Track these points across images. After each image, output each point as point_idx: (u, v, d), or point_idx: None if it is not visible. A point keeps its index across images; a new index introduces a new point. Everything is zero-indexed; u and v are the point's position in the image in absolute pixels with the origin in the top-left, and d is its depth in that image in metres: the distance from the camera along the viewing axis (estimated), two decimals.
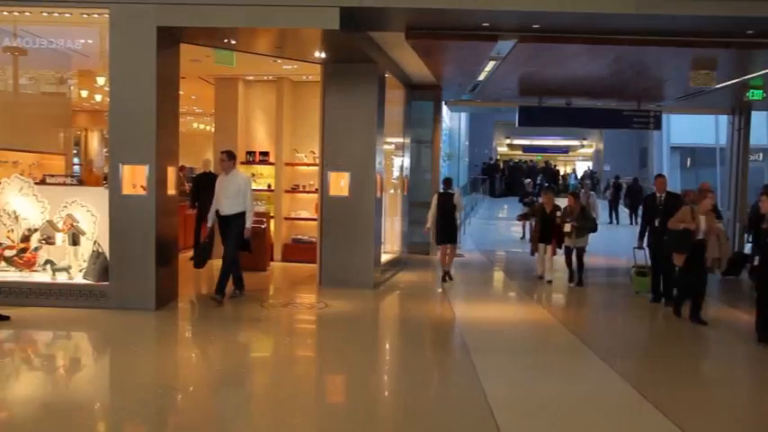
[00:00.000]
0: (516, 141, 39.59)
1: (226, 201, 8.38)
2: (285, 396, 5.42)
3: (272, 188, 12.30)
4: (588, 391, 5.75)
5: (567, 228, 10.26)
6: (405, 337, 7.86)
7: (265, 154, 12.49)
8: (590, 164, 38.32)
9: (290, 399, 5.35)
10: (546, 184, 24.32)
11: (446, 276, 10.62)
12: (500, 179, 31.75)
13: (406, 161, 13.13)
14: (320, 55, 9.45)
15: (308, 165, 12.17)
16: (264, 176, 12.56)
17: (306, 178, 12.25)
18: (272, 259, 11.79)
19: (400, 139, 12.73)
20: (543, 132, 35.20)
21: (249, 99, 12.61)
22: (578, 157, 41.62)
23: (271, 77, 12.14)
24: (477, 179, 28.89)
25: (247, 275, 10.63)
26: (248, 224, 8.42)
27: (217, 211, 8.49)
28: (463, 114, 22.33)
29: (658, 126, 14.20)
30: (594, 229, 10.64)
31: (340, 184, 9.89)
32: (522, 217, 13.50)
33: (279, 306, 8.70)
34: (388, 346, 7.60)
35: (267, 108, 12.53)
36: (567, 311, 9.46)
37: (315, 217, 10.92)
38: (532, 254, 11.12)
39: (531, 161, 36.14)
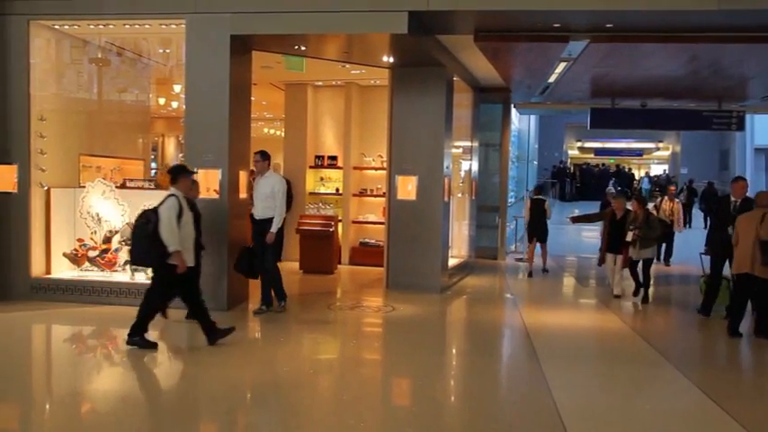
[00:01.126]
0: (588, 144, 38.60)
1: (259, 204, 8.05)
2: (351, 398, 5.45)
3: (341, 192, 12.44)
4: (665, 402, 5.53)
5: (630, 236, 9.48)
6: (472, 342, 7.78)
7: (333, 158, 12.66)
8: (666, 167, 36.94)
9: (357, 401, 5.37)
10: (619, 189, 23.54)
11: (532, 273, 11.94)
12: (570, 183, 31.05)
13: (475, 164, 13.01)
14: (388, 59, 9.49)
15: (375, 169, 12.25)
16: (333, 180, 12.74)
17: (373, 182, 12.32)
18: (339, 262, 11.92)
19: (468, 143, 12.63)
20: (616, 135, 34.19)
21: (318, 104, 12.82)
22: (653, 159, 40.20)
23: (339, 82, 12.30)
24: (547, 183, 28.37)
25: (315, 278, 10.86)
26: (273, 228, 7.89)
27: (251, 215, 8.22)
28: (533, 117, 21.97)
29: (741, 127, 13.52)
30: (663, 240, 9.88)
31: (408, 187, 9.90)
32: (577, 219, 12.57)
33: (346, 309, 8.77)
34: (455, 350, 7.54)
35: (335, 113, 12.70)
36: (642, 320, 9.12)
37: (382, 220, 10.96)
38: (600, 264, 10.27)
39: (604, 164, 35.12)
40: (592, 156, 38.97)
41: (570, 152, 38.68)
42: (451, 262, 10.91)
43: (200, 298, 6.70)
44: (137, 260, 6.81)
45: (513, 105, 14.74)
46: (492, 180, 14.32)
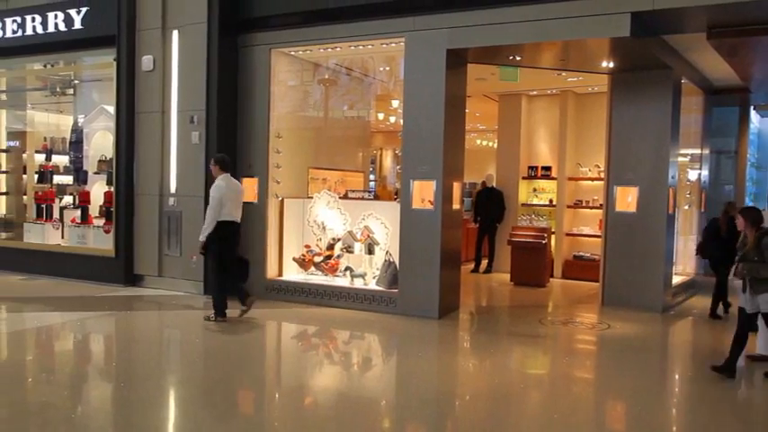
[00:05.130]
0: None
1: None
2: (562, 417, 5.27)
3: (554, 203, 12.13)
4: None
5: (733, 271, 6.49)
6: (695, 369, 7.08)
7: (547, 168, 12.41)
8: None
9: (567, 420, 5.18)
10: None
11: None
12: None
13: (704, 173, 11.90)
14: (608, 64, 9.08)
15: (591, 179, 11.78)
16: (546, 191, 12.49)
17: (589, 193, 11.85)
18: (551, 275, 11.63)
19: (697, 150, 11.59)
20: None
21: (532, 114, 12.65)
22: None
23: (554, 91, 12.03)
24: None
25: (526, 290, 10.69)
26: (200, 236, 7.76)
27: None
28: None
29: None
30: None
31: (627, 199, 9.37)
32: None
33: (558, 323, 8.51)
34: (678, 376, 6.93)
35: (550, 122, 12.44)
36: None
37: (598, 233, 10.48)
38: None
39: None
40: None
41: None
42: (675, 279, 10.08)
43: None
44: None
45: (752, 108, 13.23)
46: (725, 190, 12.99)
